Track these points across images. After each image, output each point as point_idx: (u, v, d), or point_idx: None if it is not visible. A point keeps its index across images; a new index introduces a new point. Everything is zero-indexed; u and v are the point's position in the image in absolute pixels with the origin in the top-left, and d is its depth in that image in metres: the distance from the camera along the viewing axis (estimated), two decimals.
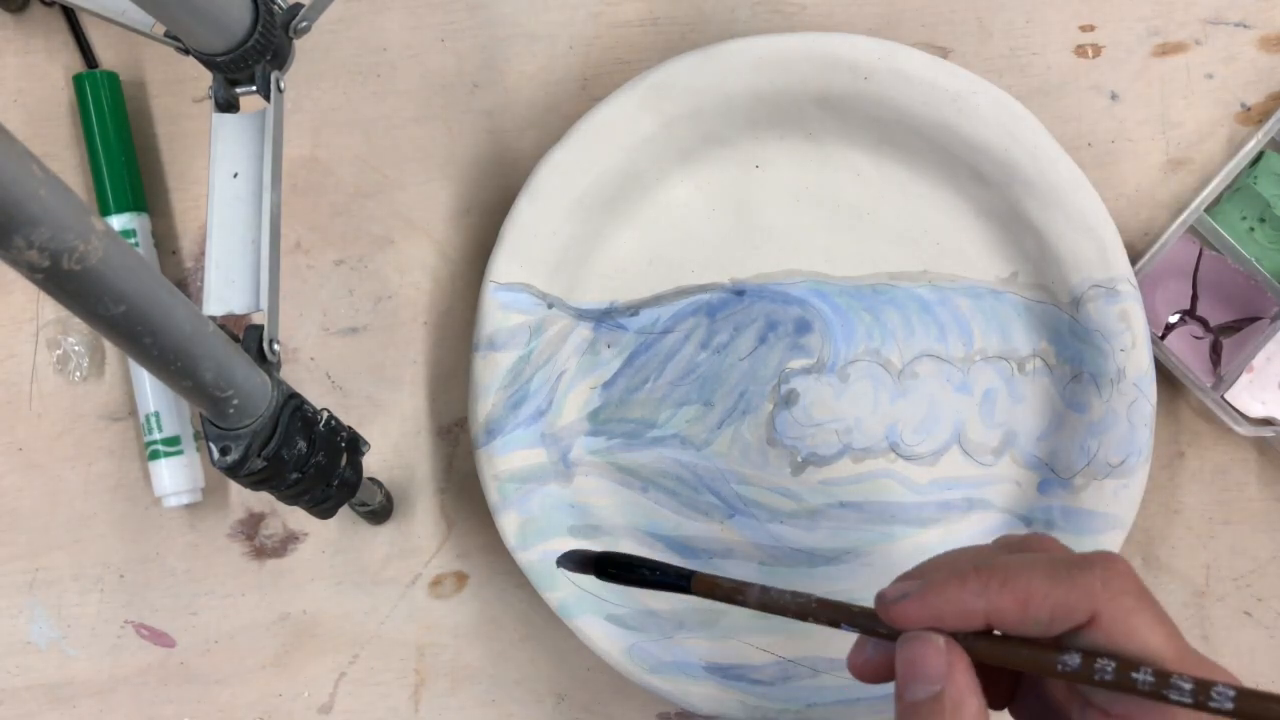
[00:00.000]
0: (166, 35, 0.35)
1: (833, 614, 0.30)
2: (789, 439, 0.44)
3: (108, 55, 0.46)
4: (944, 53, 0.46)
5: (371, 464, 0.45)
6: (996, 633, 0.29)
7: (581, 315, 0.44)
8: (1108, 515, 0.42)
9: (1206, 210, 0.44)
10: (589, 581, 0.42)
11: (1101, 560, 0.28)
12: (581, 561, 0.34)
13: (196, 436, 0.45)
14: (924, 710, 0.28)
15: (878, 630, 0.30)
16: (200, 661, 0.45)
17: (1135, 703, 0.27)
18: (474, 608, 0.45)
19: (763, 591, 0.31)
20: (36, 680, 0.45)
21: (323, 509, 0.37)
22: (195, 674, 0.45)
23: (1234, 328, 0.44)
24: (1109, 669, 0.27)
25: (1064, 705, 0.30)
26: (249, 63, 0.35)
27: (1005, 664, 0.29)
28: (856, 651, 0.31)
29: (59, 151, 0.46)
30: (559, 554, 0.35)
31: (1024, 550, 0.31)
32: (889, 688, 0.41)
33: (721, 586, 0.32)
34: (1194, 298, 0.44)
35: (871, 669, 0.31)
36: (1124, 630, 0.27)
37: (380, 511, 0.44)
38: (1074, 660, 0.27)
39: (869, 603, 0.30)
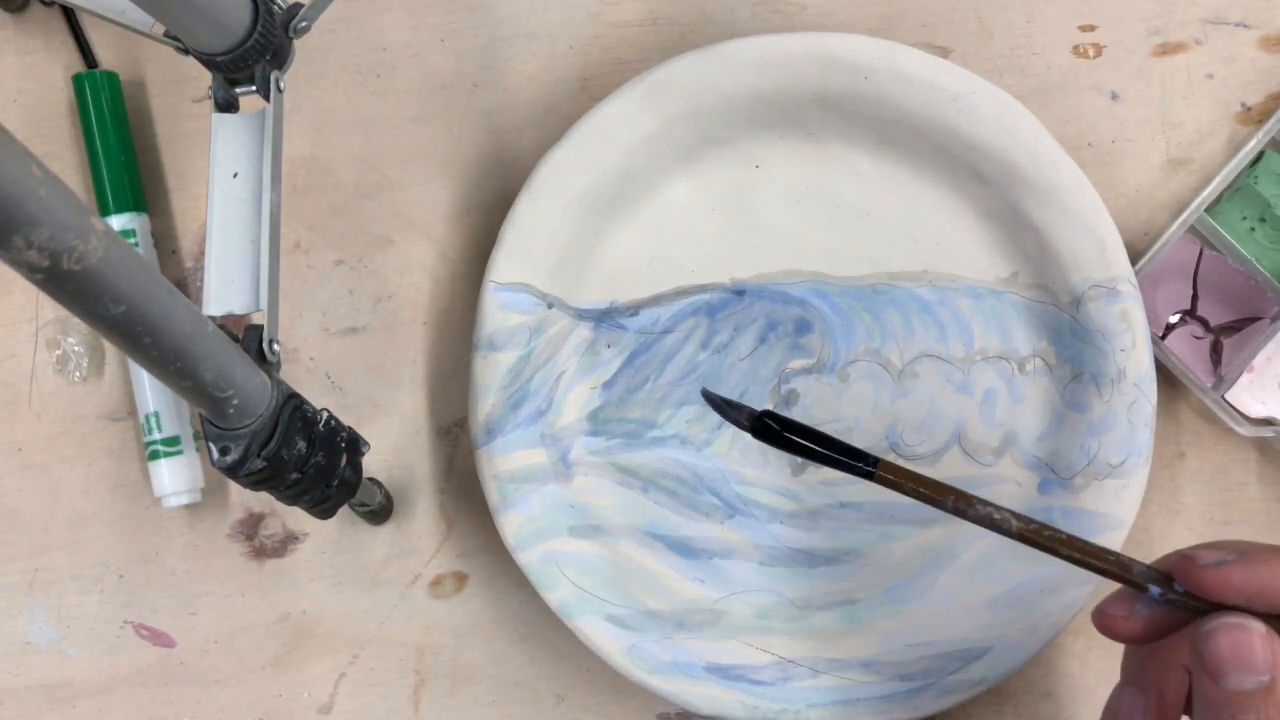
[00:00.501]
0: (166, 35, 0.35)
1: (1074, 551, 0.28)
2: None
3: (107, 55, 0.46)
4: (944, 53, 0.46)
5: (371, 464, 0.45)
6: None
7: (581, 315, 0.44)
8: (1108, 515, 0.42)
9: (1207, 210, 0.44)
10: (589, 581, 0.42)
11: None
12: (735, 416, 0.30)
13: (196, 436, 0.45)
14: (1256, 701, 0.27)
15: (1130, 580, 0.28)
16: (200, 661, 0.45)
17: None
18: (474, 608, 0.45)
19: (960, 499, 0.29)
20: (36, 680, 0.45)
21: (323, 509, 0.37)
22: (195, 674, 0.45)
23: (1234, 328, 0.44)
24: None
25: None
26: (249, 63, 0.35)
27: None
28: (1119, 603, 0.30)
29: (59, 151, 0.46)
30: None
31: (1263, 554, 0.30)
32: (888, 687, 0.41)
33: (910, 485, 0.29)
34: (1194, 298, 0.44)
35: (1135, 628, 0.30)
36: None
37: (380, 511, 0.44)
38: None
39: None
